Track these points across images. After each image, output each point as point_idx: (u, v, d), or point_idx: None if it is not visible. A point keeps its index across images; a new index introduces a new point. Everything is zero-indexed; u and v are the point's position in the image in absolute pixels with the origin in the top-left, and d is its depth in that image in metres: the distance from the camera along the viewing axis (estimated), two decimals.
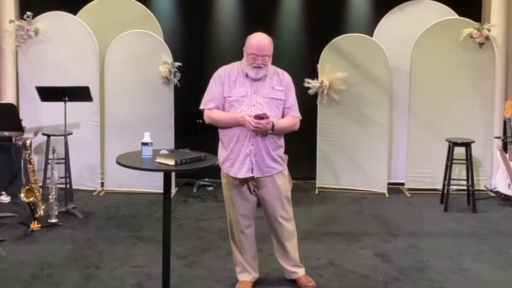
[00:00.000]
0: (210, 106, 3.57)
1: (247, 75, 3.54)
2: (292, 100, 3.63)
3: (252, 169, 3.53)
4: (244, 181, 3.59)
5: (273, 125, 3.47)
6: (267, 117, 3.43)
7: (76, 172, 5.97)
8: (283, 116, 3.60)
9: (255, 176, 3.56)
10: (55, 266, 4.06)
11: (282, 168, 3.66)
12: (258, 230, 3.86)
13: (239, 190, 3.62)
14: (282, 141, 3.66)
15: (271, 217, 3.71)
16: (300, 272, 3.82)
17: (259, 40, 3.49)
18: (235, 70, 3.59)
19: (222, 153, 3.63)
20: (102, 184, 6.29)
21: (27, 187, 4.89)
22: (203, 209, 5.67)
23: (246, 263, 3.76)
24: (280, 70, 3.67)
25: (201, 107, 3.63)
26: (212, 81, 3.61)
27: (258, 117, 3.41)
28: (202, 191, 6.36)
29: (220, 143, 3.66)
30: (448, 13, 6.39)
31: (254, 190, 3.64)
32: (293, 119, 3.62)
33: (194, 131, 6.47)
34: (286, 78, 3.64)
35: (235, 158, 3.55)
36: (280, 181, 3.64)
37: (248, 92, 3.53)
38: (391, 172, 6.60)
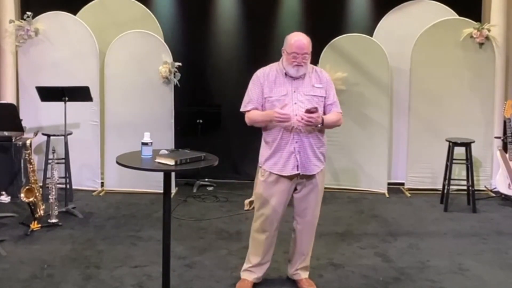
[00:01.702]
0: (249, 108, 3.59)
1: (286, 74, 3.55)
2: (334, 96, 3.65)
3: (297, 166, 3.53)
4: (286, 180, 3.58)
5: (322, 120, 3.49)
6: (317, 111, 3.45)
7: (76, 172, 5.96)
8: (324, 113, 3.61)
9: (300, 173, 3.55)
10: (55, 266, 4.06)
11: (323, 166, 3.67)
12: None
13: (277, 190, 3.60)
14: (325, 139, 3.67)
15: (302, 215, 3.70)
16: (304, 274, 3.81)
17: (298, 40, 3.50)
18: (273, 70, 3.61)
19: (264, 152, 3.64)
20: (102, 184, 6.28)
21: (27, 187, 4.88)
22: (203, 209, 5.67)
23: (258, 262, 3.74)
24: (318, 68, 3.69)
25: (241, 109, 3.64)
26: (251, 83, 3.62)
27: (309, 111, 3.42)
28: (202, 191, 6.36)
29: (262, 142, 3.67)
30: (448, 13, 6.40)
31: (295, 190, 3.63)
32: (337, 114, 3.64)
33: (194, 131, 6.48)
34: (325, 75, 3.66)
35: (280, 156, 3.55)
36: (320, 179, 3.66)
37: (289, 90, 3.54)
38: (391, 172, 6.60)
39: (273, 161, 3.58)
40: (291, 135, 3.51)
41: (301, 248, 3.78)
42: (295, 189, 3.64)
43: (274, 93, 3.54)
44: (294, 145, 3.52)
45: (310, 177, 3.61)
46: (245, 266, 3.81)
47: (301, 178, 3.60)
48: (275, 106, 3.52)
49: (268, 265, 3.80)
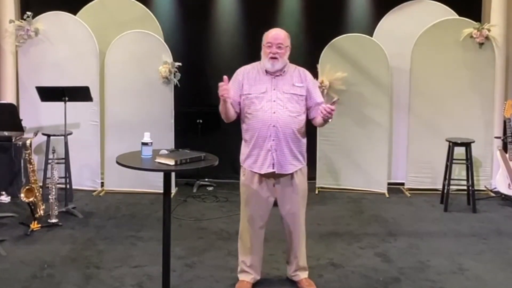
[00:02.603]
0: None
1: (266, 72, 3.57)
2: (320, 96, 3.66)
3: (273, 164, 3.53)
4: (265, 178, 3.58)
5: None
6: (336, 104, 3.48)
7: (76, 172, 5.96)
8: (312, 113, 3.60)
9: (276, 172, 3.55)
10: (55, 266, 4.06)
11: (302, 165, 3.64)
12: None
13: (258, 189, 3.60)
14: (304, 137, 3.65)
15: (286, 216, 3.69)
16: (303, 274, 3.81)
17: (275, 33, 3.57)
18: (254, 68, 3.63)
19: (244, 150, 3.64)
20: (102, 184, 6.29)
21: (27, 187, 4.89)
22: (203, 209, 5.67)
23: (250, 263, 3.75)
24: (301, 69, 3.69)
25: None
26: (231, 80, 3.64)
27: (333, 103, 3.43)
28: (202, 191, 6.36)
29: (242, 141, 3.68)
30: (448, 13, 6.40)
31: (273, 186, 3.61)
32: None
33: (194, 131, 6.48)
34: (308, 75, 3.67)
35: (257, 154, 3.55)
36: (299, 179, 3.63)
37: (268, 88, 3.54)
38: (391, 172, 6.60)
39: (252, 159, 3.58)
40: (268, 133, 3.51)
41: (294, 250, 3.78)
42: (275, 191, 3.62)
43: (253, 90, 3.56)
44: (271, 143, 3.52)
45: (288, 177, 3.59)
46: (240, 268, 3.81)
47: (279, 177, 3.58)
48: (253, 104, 3.54)
49: (259, 266, 3.80)
